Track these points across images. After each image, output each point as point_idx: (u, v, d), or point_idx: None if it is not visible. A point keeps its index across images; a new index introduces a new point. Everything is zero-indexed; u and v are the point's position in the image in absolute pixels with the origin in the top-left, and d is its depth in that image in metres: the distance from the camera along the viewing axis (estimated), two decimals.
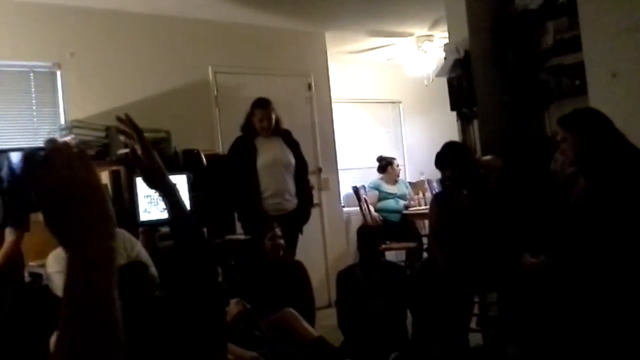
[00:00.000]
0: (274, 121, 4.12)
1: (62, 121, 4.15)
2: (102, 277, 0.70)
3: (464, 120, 4.03)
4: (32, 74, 4.15)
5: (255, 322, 3.05)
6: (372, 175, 6.46)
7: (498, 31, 3.86)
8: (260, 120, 4.08)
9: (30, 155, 0.74)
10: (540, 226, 2.87)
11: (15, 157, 0.76)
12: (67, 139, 3.57)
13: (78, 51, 4.25)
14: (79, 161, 0.73)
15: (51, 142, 0.74)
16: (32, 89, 4.15)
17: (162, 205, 3.76)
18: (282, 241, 3.68)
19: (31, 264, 2.99)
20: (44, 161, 0.71)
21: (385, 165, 6.22)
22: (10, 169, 0.76)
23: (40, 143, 3.99)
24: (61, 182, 0.70)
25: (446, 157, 3.44)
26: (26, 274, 2.99)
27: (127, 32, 4.52)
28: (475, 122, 3.87)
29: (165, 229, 3.72)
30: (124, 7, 4.44)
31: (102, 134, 3.94)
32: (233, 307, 3.01)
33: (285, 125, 4.27)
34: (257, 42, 5.19)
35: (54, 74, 4.22)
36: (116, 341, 0.69)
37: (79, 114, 4.10)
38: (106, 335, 0.68)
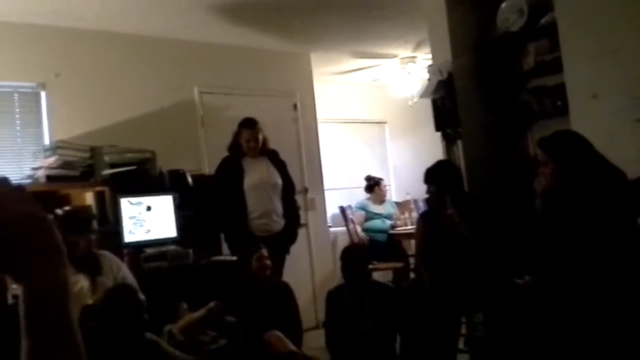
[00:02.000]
0: (261, 141, 4.12)
1: (47, 141, 4.12)
2: (60, 307, 0.71)
3: (449, 141, 4.06)
4: (16, 95, 4.13)
5: (232, 332, 3.05)
6: (358, 195, 6.48)
7: (480, 53, 3.93)
8: (248, 140, 4.08)
9: None
10: (527, 247, 2.89)
11: None
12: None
13: (63, 71, 4.24)
14: (23, 195, 0.74)
15: None
16: (16, 109, 4.13)
17: (146, 226, 3.75)
18: (268, 262, 3.67)
19: (14, 286, 2.94)
20: None
21: (373, 185, 6.24)
22: None
23: (25, 163, 3.97)
24: (8, 216, 0.71)
25: (433, 173, 3.48)
26: (9, 297, 2.93)
27: (112, 53, 4.53)
28: (460, 143, 3.91)
29: (150, 250, 3.69)
30: (109, 28, 4.45)
31: (87, 155, 3.92)
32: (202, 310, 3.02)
33: (272, 145, 4.27)
34: (243, 63, 5.22)
35: (38, 95, 4.20)
36: None
37: (63, 134, 4.07)
38: None
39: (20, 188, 0.75)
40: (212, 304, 3.03)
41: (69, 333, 0.71)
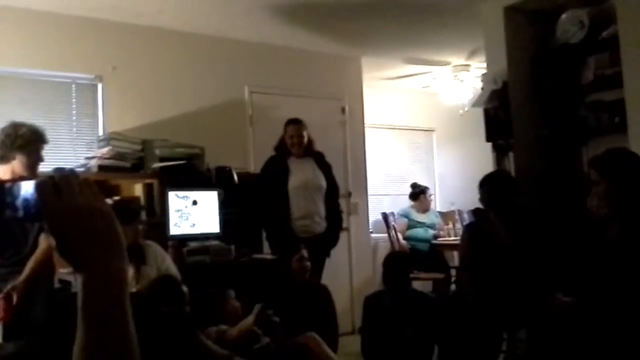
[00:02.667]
0: (305, 139, 4.13)
1: (101, 132, 4.23)
2: (115, 298, 0.74)
3: (499, 152, 3.98)
4: (74, 85, 4.26)
5: (277, 334, 3.04)
6: (402, 203, 6.41)
7: (538, 64, 3.83)
8: (292, 136, 4.10)
9: (42, 183, 0.77)
10: (573, 265, 2.80)
11: (28, 186, 0.79)
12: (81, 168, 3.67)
13: (120, 65, 4.36)
14: (88, 188, 0.77)
15: (60, 170, 0.78)
16: (74, 100, 4.26)
17: (191, 220, 3.81)
18: (308, 263, 3.67)
19: (61, 271, 3.03)
20: (55, 189, 0.75)
21: (418, 192, 6.16)
22: (24, 198, 0.79)
23: (79, 153, 4.11)
24: (73, 209, 0.75)
25: (490, 177, 3.41)
26: (56, 281, 3.03)
27: (167, 49, 4.62)
28: (511, 155, 3.82)
29: (194, 244, 3.75)
30: (166, 25, 4.55)
31: (139, 147, 4.01)
32: (255, 309, 3.01)
33: (318, 147, 4.28)
34: (294, 64, 5.25)
35: (95, 87, 4.33)
36: (131, 357, 0.72)
37: (117, 126, 4.18)
38: (121, 352, 0.72)
39: (87, 181, 0.78)
40: (259, 307, 3.03)
41: (123, 324, 0.73)
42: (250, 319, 3.01)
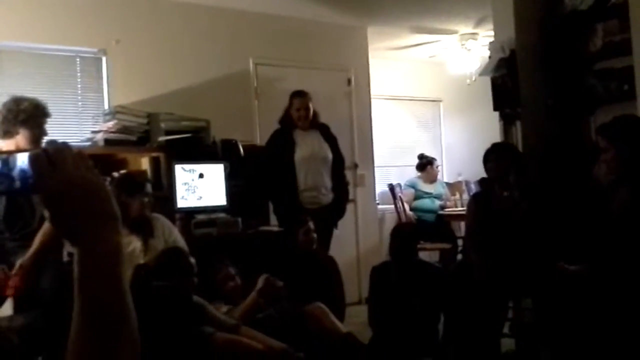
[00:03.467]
0: (311, 112, 4.12)
1: (106, 106, 4.23)
2: (111, 271, 0.74)
3: (507, 121, 3.94)
4: (78, 59, 4.25)
5: (282, 302, 3.08)
6: (409, 174, 6.40)
7: (546, 31, 3.76)
8: (298, 109, 4.09)
9: (35, 156, 0.76)
10: (579, 233, 2.80)
11: (24, 157, 0.79)
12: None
13: (124, 38, 4.33)
14: (82, 161, 0.77)
15: (53, 143, 0.78)
16: (78, 74, 4.25)
17: (198, 193, 3.83)
18: (315, 235, 3.68)
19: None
20: (49, 162, 0.75)
21: (425, 163, 6.14)
22: (21, 169, 0.79)
23: (85, 127, 4.11)
24: (67, 182, 0.74)
25: (493, 149, 3.39)
26: (65, 254, 3.06)
27: (171, 22, 4.58)
28: (519, 124, 3.79)
29: (201, 217, 3.77)
30: None
31: (144, 121, 4.01)
32: (260, 281, 3.04)
33: (323, 119, 4.27)
34: (299, 35, 5.19)
35: (99, 60, 4.31)
36: (127, 332, 0.73)
37: (122, 100, 4.17)
38: (118, 327, 0.72)
39: (80, 154, 0.77)
40: (264, 277, 3.06)
41: (119, 295, 0.73)
42: (251, 295, 3.03)
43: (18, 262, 2.86)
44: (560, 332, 2.91)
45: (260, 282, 3.05)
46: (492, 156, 3.38)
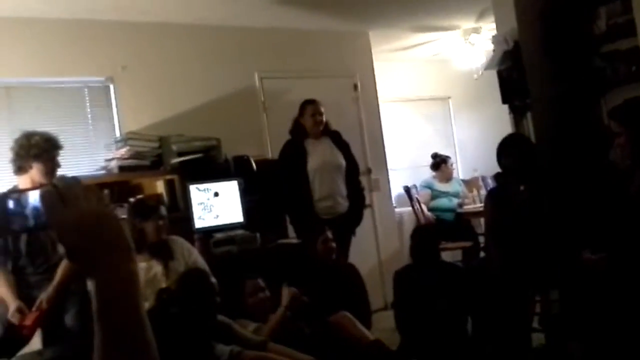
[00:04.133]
0: (324, 117, 4.12)
1: (117, 133, 4.27)
2: (129, 300, 0.75)
3: (517, 113, 3.91)
4: (86, 89, 4.29)
5: (306, 314, 3.06)
6: (424, 174, 6.37)
7: (548, 19, 3.73)
8: (313, 114, 4.08)
9: (46, 194, 0.78)
10: (599, 220, 2.76)
11: (35, 195, 0.81)
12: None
13: (129, 64, 4.37)
14: (92, 194, 0.79)
15: (63, 179, 0.80)
16: (87, 104, 4.30)
17: (215, 212, 3.84)
18: (334, 244, 3.67)
19: None
20: (60, 198, 0.76)
21: (439, 162, 6.10)
22: (34, 207, 0.80)
23: (98, 156, 4.14)
24: (78, 216, 0.76)
25: (505, 142, 3.35)
26: (88, 284, 3.08)
27: (174, 44, 4.62)
28: (529, 115, 3.75)
29: (219, 235, 3.78)
30: (170, 19, 4.54)
31: (156, 144, 4.04)
32: (285, 293, 3.04)
33: (333, 126, 4.26)
34: (301, 46, 5.21)
35: (107, 88, 4.35)
36: (149, 357, 0.73)
37: (133, 125, 4.21)
38: (138, 355, 0.73)
39: (90, 188, 0.79)
40: (289, 293, 3.05)
41: (138, 324, 0.74)
42: (279, 311, 3.02)
43: (41, 296, 2.89)
44: (589, 323, 2.86)
45: (285, 298, 3.04)
46: (505, 150, 3.34)
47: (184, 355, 2.43)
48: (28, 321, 2.80)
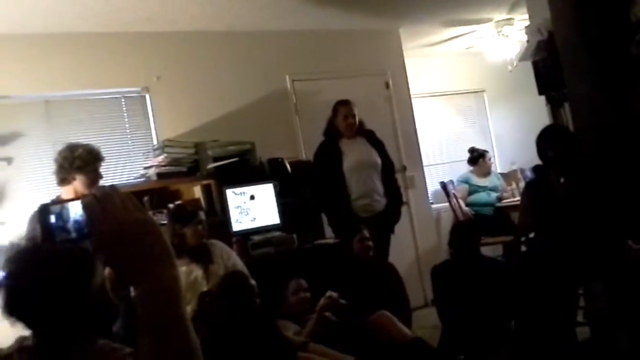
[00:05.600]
0: (357, 118, 4.11)
1: (155, 141, 4.36)
2: (172, 306, 0.76)
3: (554, 104, 3.83)
4: (123, 100, 4.40)
5: (347, 316, 3.06)
6: (460, 170, 6.29)
7: (582, 7, 3.64)
8: (346, 116, 4.08)
9: (88, 204, 0.80)
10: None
11: (76, 207, 0.82)
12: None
13: (163, 74, 4.46)
14: (130, 202, 0.79)
15: (100, 189, 0.81)
16: (125, 114, 4.40)
17: (251, 215, 3.87)
18: (370, 243, 3.66)
19: None
20: (100, 208, 0.78)
21: (477, 157, 6.02)
22: (75, 220, 0.82)
23: (137, 164, 4.24)
24: (118, 224, 0.77)
25: (546, 135, 3.27)
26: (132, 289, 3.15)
27: (206, 51, 4.69)
28: (567, 105, 3.67)
29: (257, 238, 3.82)
30: (201, 28, 4.61)
31: (192, 151, 4.11)
32: (322, 300, 3.04)
33: (366, 125, 4.25)
34: (331, 46, 5.22)
35: (143, 98, 4.45)
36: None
37: (169, 133, 4.30)
38: (185, 357, 0.74)
39: (128, 196, 0.80)
40: (329, 295, 3.06)
41: (181, 329, 0.75)
42: (314, 315, 3.03)
43: None
44: (636, 314, 2.78)
45: (322, 302, 3.05)
46: (545, 142, 3.26)
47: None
48: None
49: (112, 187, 0.82)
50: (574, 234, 3.05)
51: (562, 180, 3.22)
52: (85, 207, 0.80)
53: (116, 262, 0.78)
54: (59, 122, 4.14)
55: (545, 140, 3.28)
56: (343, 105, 4.11)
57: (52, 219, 0.83)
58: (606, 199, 3.00)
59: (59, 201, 0.88)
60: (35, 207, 2.78)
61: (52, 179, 3.17)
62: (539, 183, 3.48)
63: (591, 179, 3.15)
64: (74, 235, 0.84)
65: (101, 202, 0.78)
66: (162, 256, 0.78)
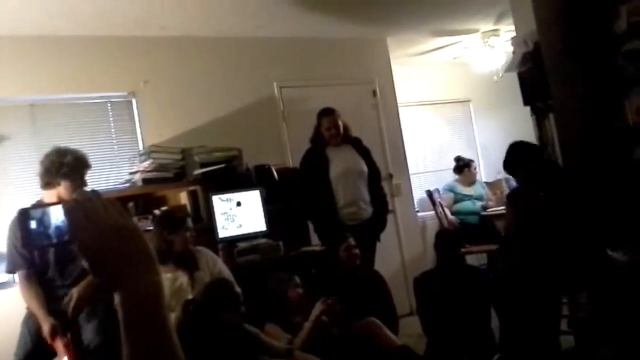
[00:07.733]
0: (342, 128, 4.12)
1: (141, 147, 4.33)
2: (154, 312, 0.75)
3: (539, 115, 3.87)
4: (109, 104, 4.37)
5: (339, 318, 3.07)
6: (446, 178, 6.33)
7: (568, 19, 3.69)
8: (328, 128, 4.09)
9: (70, 209, 0.79)
10: (625, 221, 2.71)
11: (57, 212, 0.81)
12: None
13: (151, 78, 4.44)
14: (113, 207, 0.79)
15: (82, 193, 0.80)
16: (111, 119, 4.37)
17: (237, 221, 3.86)
18: (357, 251, 3.67)
19: None
20: (82, 213, 0.77)
21: (462, 166, 6.06)
22: (56, 226, 0.81)
23: (122, 169, 4.21)
24: (99, 230, 0.76)
25: (515, 160, 3.32)
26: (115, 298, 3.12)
27: (194, 57, 4.68)
28: (552, 116, 3.71)
29: (243, 244, 3.80)
30: (188, 33, 4.60)
31: (178, 156, 4.08)
32: (317, 305, 3.05)
33: (353, 133, 4.26)
34: (319, 54, 5.23)
35: (129, 103, 4.42)
36: None
37: (155, 138, 4.27)
38: None
39: (110, 201, 0.79)
40: (320, 302, 3.07)
41: (164, 336, 0.74)
42: (307, 324, 3.03)
43: (73, 290, 2.90)
44: (620, 325, 2.81)
45: (316, 309, 3.04)
46: (515, 163, 3.32)
47: None
48: (59, 346, 2.82)
49: (94, 192, 0.82)
50: (555, 244, 3.08)
51: (540, 194, 3.26)
52: (67, 212, 0.79)
53: (98, 268, 0.77)
54: (44, 126, 4.09)
55: (515, 163, 3.32)
56: (325, 116, 4.12)
57: (33, 224, 0.82)
58: (590, 209, 3.04)
59: (40, 205, 0.87)
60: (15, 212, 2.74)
61: (37, 183, 3.12)
62: (519, 195, 3.52)
63: (570, 192, 3.19)
64: (54, 240, 0.83)
65: (83, 207, 0.78)
66: (144, 262, 0.77)
